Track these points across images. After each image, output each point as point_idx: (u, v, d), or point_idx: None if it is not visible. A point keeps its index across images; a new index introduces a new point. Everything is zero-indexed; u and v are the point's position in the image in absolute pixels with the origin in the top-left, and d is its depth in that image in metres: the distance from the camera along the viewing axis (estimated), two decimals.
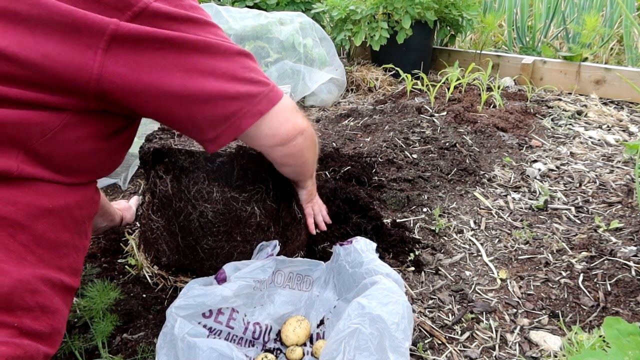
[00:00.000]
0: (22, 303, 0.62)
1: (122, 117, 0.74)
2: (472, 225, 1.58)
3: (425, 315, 1.20)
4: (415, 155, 1.97)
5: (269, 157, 0.90)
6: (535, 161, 2.01)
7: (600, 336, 1.04)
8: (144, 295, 1.21)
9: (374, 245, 1.16)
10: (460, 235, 1.52)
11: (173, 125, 0.74)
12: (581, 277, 1.30)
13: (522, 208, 1.67)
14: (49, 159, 0.65)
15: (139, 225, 1.42)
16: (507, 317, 1.19)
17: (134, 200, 1.48)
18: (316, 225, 1.30)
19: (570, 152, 2.08)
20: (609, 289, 1.25)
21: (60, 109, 0.63)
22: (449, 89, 2.63)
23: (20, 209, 0.63)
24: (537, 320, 1.18)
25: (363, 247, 1.12)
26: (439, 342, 1.12)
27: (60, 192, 0.69)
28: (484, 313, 1.20)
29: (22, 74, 0.59)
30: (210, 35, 0.69)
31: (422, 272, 1.35)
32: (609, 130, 2.32)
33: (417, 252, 1.40)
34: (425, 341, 1.11)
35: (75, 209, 0.72)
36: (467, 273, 1.35)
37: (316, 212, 1.29)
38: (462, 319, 1.18)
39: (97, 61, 0.60)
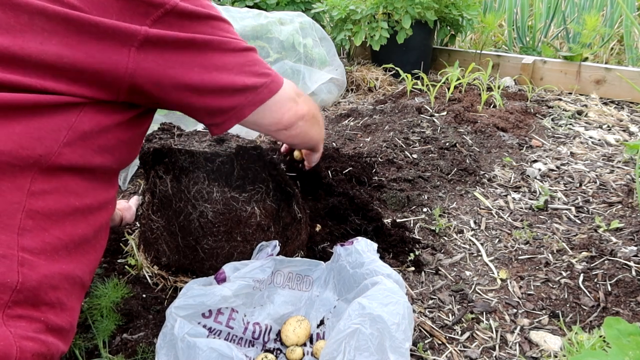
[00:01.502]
0: (46, 298, 0.65)
1: (138, 111, 0.79)
2: (472, 225, 1.58)
3: (426, 316, 1.20)
4: (415, 155, 1.97)
5: (276, 138, 0.99)
6: (535, 161, 2.00)
7: (600, 336, 1.04)
8: (144, 295, 1.21)
9: (375, 245, 1.16)
10: (460, 235, 1.52)
11: (189, 112, 0.83)
12: (581, 277, 1.30)
13: (522, 208, 1.67)
14: (77, 149, 0.70)
15: (138, 225, 1.42)
16: (507, 317, 1.19)
17: (134, 200, 1.48)
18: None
19: (571, 152, 2.08)
20: (609, 289, 1.25)
21: (82, 99, 0.69)
22: (449, 88, 2.63)
23: (52, 204, 0.67)
24: (537, 320, 1.18)
25: (364, 248, 1.12)
26: (439, 342, 1.11)
27: (87, 192, 0.73)
28: (484, 313, 1.20)
29: (63, 72, 0.66)
30: (223, 33, 0.79)
31: (422, 272, 1.35)
32: (609, 130, 2.32)
33: (417, 252, 1.40)
34: (426, 341, 1.11)
35: (99, 210, 0.76)
36: (467, 273, 1.35)
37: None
38: (462, 319, 1.18)
39: (131, 57, 0.69)
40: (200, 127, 1.60)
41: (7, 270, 0.60)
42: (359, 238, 1.16)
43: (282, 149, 1.37)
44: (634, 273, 1.28)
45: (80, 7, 0.66)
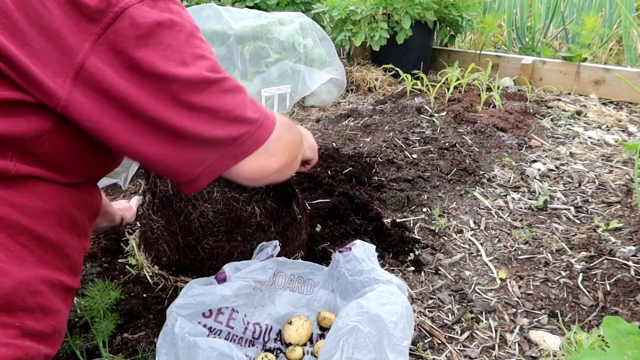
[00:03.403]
0: (23, 304, 0.62)
1: None
2: (472, 225, 1.58)
3: (425, 315, 1.20)
4: (415, 155, 1.97)
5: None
6: (534, 161, 2.01)
7: (599, 336, 1.05)
8: (145, 295, 1.21)
9: (373, 248, 1.16)
10: (460, 235, 1.53)
11: (146, 165, 0.68)
12: (580, 277, 1.30)
13: (521, 208, 1.67)
14: (45, 158, 0.65)
15: (139, 225, 1.43)
16: (506, 316, 1.20)
17: (135, 200, 1.48)
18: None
19: (570, 152, 2.08)
20: (608, 288, 1.25)
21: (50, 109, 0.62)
22: (448, 89, 2.63)
23: (18, 210, 0.62)
24: (536, 319, 1.18)
25: (362, 255, 1.12)
26: (439, 341, 1.12)
27: (58, 193, 0.68)
28: (484, 313, 1.20)
29: (17, 78, 0.58)
30: (201, 59, 0.64)
31: (422, 272, 1.35)
32: (608, 130, 2.32)
33: (417, 252, 1.40)
34: (425, 341, 1.12)
35: (74, 210, 0.72)
36: (467, 273, 1.36)
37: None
38: (462, 318, 1.19)
39: (65, 88, 0.58)
40: None
41: None
42: (357, 242, 1.15)
43: None
44: (632, 273, 1.28)
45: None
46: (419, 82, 2.73)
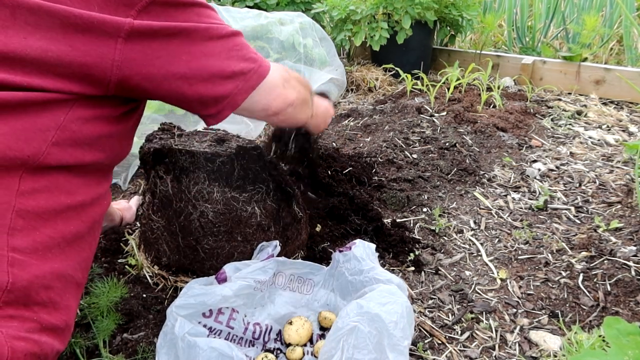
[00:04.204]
0: (37, 298, 0.64)
1: (128, 105, 0.78)
2: (472, 225, 1.58)
3: (425, 315, 1.20)
4: (415, 155, 1.97)
5: (266, 121, 0.99)
6: (535, 161, 2.01)
7: (600, 336, 1.04)
8: (144, 295, 1.21)
9: (373, 248, 1.16)
10: (460, 235, 1.53)
11: (182, 104, 0.82)
12: (581, 277, 1.30)
13: (522, 208, 1.67)
14: (67, 146, 0.69)
15: (139, 225, 1.42)
16: (507, 317, 1.19)
17: (134, 201, 1.48)
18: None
19: (570, 152, 2.08)
20: (609, 288, 1.25)
21: (70, 95, 0.68)
22: (448, 89, 2.63)
23: (43, 203, 0.66)
24: (537, 320, 1.18)
25: (362, 254, 1.12)
26: (439, 342, 1.12)
27: (79, 188, 0.72)
28: (484, 313, 1.20)
29: (49, 67, 0.65)
30: (209, 19, 0.78)
31: (422, 272, 1.35)
32: (609, 130, 2.32)
33: (417, 252, 1.40)
34: (425, 341, 1.12)
35: (91, 206, 0.76)
36: (467, 273, 1.35)
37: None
38: (462, 318, 1.18)
39: (118, 49, 0.68)
40: (200, 127, 1.60)
41: None
42: (357, 242, 1.15)
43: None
44: (633, 273, 1.28)
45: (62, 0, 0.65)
46: (419, 82, 2.73)
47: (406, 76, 2.76)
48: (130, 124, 0.82)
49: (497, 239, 1.51)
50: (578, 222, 1.58)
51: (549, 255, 1.41)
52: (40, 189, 0.66)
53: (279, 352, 1.06)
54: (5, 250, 0.61)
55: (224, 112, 0.83)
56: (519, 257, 1.41)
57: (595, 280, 1.29)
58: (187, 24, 0.74)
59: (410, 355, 1.06)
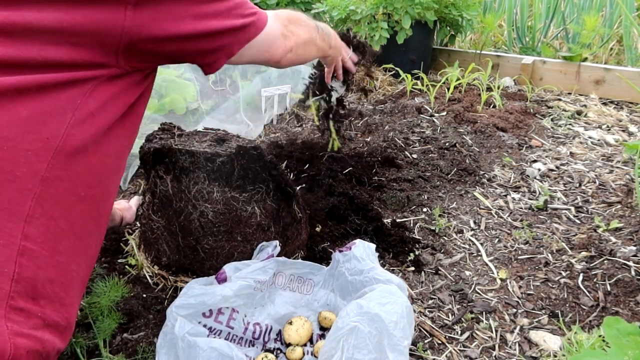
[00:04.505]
0: (44, 291, 0.64)
1: (138, 84, 0.80)
2: (472, 225, 1.58)
3: (425, 315, 1.20)
4: (415, 155, 1.97)
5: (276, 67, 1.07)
6: (535, 161, 2.01)
7: (599, 336, 1.04)
8: (144, 295, 1.21)
9: (373, 248, 1.16)
10: (460, 235, 1.53)
11: (182, 59, 0.86)
12: (581, 277, 1.30)
13: (521, 208, 1.67)
14: (86, 128, 0.70)
15: (139, 225, 1.42)
16: (507, 317, 1.19)
17: (134, 200, 1.48)
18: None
19: (570, 152, 2.08)
20: (609, 288, 1.25)
21: (85, 72, 0.70)
22: (448, 89, 2.63)
23: (62, 192, 0.67)
24: (536, 320, 1.18)
25: (362, 254, 1.12)
26: (439, 342, 1.12)
27: (95, 182, 0.73)
28: (484, 313, 1.20)
29: (63, 36, 0.67)
30: None
31: (422, 272, 1.35)
32: (609, 130, 2.32)
33: (417, 252, 1.40)
34: (425, 341, 1.12)
35: (102, 201, 0.76)
36: (467, 273, 1.35)
37: (337, 67, 1.55)
38: (462, 318, 1.18)
39: (127, 15, 0.71)
40: (200, 127, 1.60)
41: (5, 259, 0.60)
42: (357, 242, 1.15)
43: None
44: (633, 273, 1.28)
45: None
46: (419, 82, 2.73)
47: (406, 76, 2.76)
48: (141, 108, 0.84)
49: (497, 239, 1.51)
50: (578, 222, 1.58)
51: (549, 255, 1.41)
52: (63, 178, 0.67)
53: (279, 352, 1.06)
54: (19, 238, 0.61)
55: (220, 61, 0.89)
56: (519, 257, 1.41)
57: (595, 280, 1.29)
58: None
59: (410, 355, 1.06)
